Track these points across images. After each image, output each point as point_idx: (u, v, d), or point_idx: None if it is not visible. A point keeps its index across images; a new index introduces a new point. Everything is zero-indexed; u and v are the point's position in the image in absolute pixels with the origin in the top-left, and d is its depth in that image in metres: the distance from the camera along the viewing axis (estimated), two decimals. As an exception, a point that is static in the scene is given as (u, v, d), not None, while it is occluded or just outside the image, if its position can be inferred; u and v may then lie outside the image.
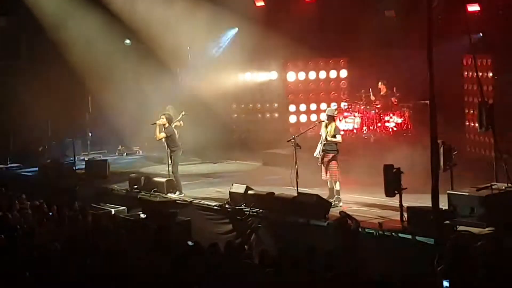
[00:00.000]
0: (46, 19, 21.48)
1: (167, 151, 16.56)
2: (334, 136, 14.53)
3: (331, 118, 14.67)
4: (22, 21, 22.89)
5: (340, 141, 14.65)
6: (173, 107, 19.17)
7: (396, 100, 19.77)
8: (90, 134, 21.96)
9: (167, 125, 16.35)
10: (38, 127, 22.27)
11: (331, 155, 14.56)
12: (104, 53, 21.95)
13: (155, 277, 9.64)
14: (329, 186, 14.71)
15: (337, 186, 14.60)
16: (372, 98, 19.91)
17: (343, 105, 20.17)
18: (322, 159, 14.58)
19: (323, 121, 14.78)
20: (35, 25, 21.86)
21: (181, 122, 17.93)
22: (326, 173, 14.62)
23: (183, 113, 17.27)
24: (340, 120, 18.77)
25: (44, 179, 19.14)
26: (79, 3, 21.34)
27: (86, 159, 20.56)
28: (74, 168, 19.50)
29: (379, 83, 20.15)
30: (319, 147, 14.64)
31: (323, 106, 21.41)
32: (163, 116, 16.42)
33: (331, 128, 14.55)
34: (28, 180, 19.42)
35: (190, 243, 11.67)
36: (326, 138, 14.51)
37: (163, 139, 16.40)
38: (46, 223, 13.26)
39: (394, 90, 19.80)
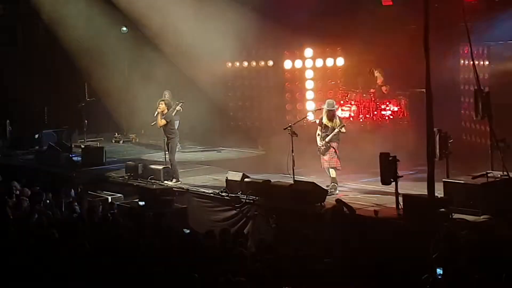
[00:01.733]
0: (43, 7, 21.42)
1: (164, 138, 16.55)
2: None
3: (332, 111, 14.74)
4: (19, 9, 22.85)
5: (344, 131, 14.77)
6: (170, 92, 19.21)
7: (386, 89, 19.77)
8: (86, 122, 21.94)
9: (166, 111, 16.32)
10: (35, 114, 22.27)
11: (333, 144, 14.65)
12: (100, 40, 21.92)
13: (152, 263, 9.68)
14: (329, 175, 14.77)
15: (333, 174, 14.65)
16: (379, 79, 19.86)
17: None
18: (325, 149, 14.65)
19: (319, 109, 14.85)
20: (32, 13, 21.82)
21: (180, 108, 18.05)
22: (326, 160, 14.67)
23: (180, 102, 17.23)
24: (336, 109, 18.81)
25: (40, 166, 19.14)
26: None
27: (82, 146, 20.55)
28: (70, 155, 19.52)
29: (375, 72, 20.14)
30: (320, 141, 14.69)
31: (320, 94, 21.44)
32: (162, 102, 16.35)
33: (336, 120, 14.65)
34: (25, 167, 19.41)
35: (186, 230, 11.71)
36: (331, 130, 14.57)
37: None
38: (43, 210, 13.28)
39: (381, 81, 19.83)
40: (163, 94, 19.01)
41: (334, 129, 14.61)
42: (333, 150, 14.66)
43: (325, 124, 14.73)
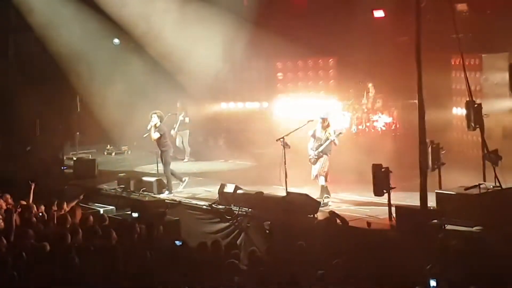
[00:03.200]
0: (35, 19, 21.40)
1: (157, 151, 16.49)
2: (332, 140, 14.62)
3: (326, 121, 14.72)
4: (10, 20, 22.81)
5: (338, 143, 14.73)
6: (182, 102, 19.30)
7: (380, 103, 19.86)
8: (78, 134, 21.88)
9: (158, 123, 16.29)
10: (26, 126, 22.19)
11: (324, 155, 14.62)
12: (92, 52, 21.91)
13: (143, 276, 9.63)
14: (320, 184, 14.74)
15: (322, 182, 14.59)
16: (364, 101, 19.95)
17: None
18: (317, 159, 14.63)
19: (311, 120, 14.83)
20: (23, 25, 21.79)
21: (186, 118, 18.29)
22: (317, 172, 14.65)
23: (171, 113, 17.21)
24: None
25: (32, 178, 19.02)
26: (67, 2, 21.26)
27: (74, 158, 20.49)
28: (62, 167, 19.45)
29: (369, 84, 20.20)
30: (312, 151, 14.65)
31: (313, 105, 21.45)
32: (154, 115, 16.32)
33: (330, 129, 14.63)
34: (16, 180, 19.29)
35: (178, 242, 11.66)
36: (325, 140, 14.54)
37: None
38: (35, 223, 13.20)
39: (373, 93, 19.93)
40: (177, 104, 19.32)
41: (328, 139, 14.59)
42: (325, 160, 14.62)
43: (318, 136, 14.72)
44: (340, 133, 14.85)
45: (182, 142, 20.38)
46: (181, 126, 20.08)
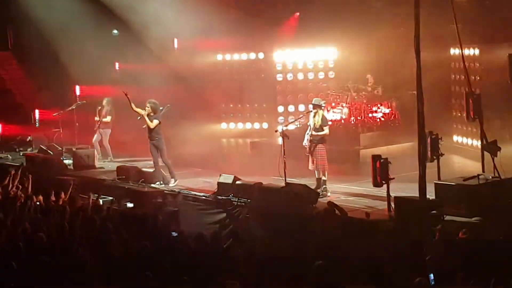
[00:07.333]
0: (34, 10, 21.37)
1: (149, 142, 16.44)
2: (321, 127, 14.57)
3: (318, 108, 14.69)
4: (10, 12, 22.78)
5: (328, 133, 14.67)
6: (109, 100, 19.21)
7: (378, 92, 19.87)
8: (77, 124, 21.87)
9: (152, 114, 16.32)
10: (26, 117, 22.18)
11: (318, 145, 14.59)
12: (92, 42, 21.88)
13: (141, 267, 9.63)
14: (316, 176, 14.74)
15: (324, 176, 14.62)
16: (370, 82, 19.98)
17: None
18: (310, 149, 14.63)
19: (311, 111, 14.84)
20: (23, 17, 21.76)
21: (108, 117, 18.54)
22: (313, 163, 14.65)
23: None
24: (328, 110, 18.78)
25: (31, 168, 19.03)
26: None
27: (73, 149, 20.46)
28: (61, 158, 19.46)
29: (368, 75, 20.20)
30: (307, 137, 14.69)
31: (311, 96, 21.42)
32: (148, 105, 16.36)
33: (318, 118, 14.58)
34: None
35: (174, 234, 11.66)
36: (314, 128, 14.57)
37: (148, 129, 16.31)
38: (32, 213, 13.20)
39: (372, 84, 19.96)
40: (103, 102, 19.27)
41: (316, 129, 14.56)
42: (322, 153, 14.58)
43: (309, 125, 14.73)
44: (321, 125, 14.63)
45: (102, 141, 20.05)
46: (103, 124, 19.89)
